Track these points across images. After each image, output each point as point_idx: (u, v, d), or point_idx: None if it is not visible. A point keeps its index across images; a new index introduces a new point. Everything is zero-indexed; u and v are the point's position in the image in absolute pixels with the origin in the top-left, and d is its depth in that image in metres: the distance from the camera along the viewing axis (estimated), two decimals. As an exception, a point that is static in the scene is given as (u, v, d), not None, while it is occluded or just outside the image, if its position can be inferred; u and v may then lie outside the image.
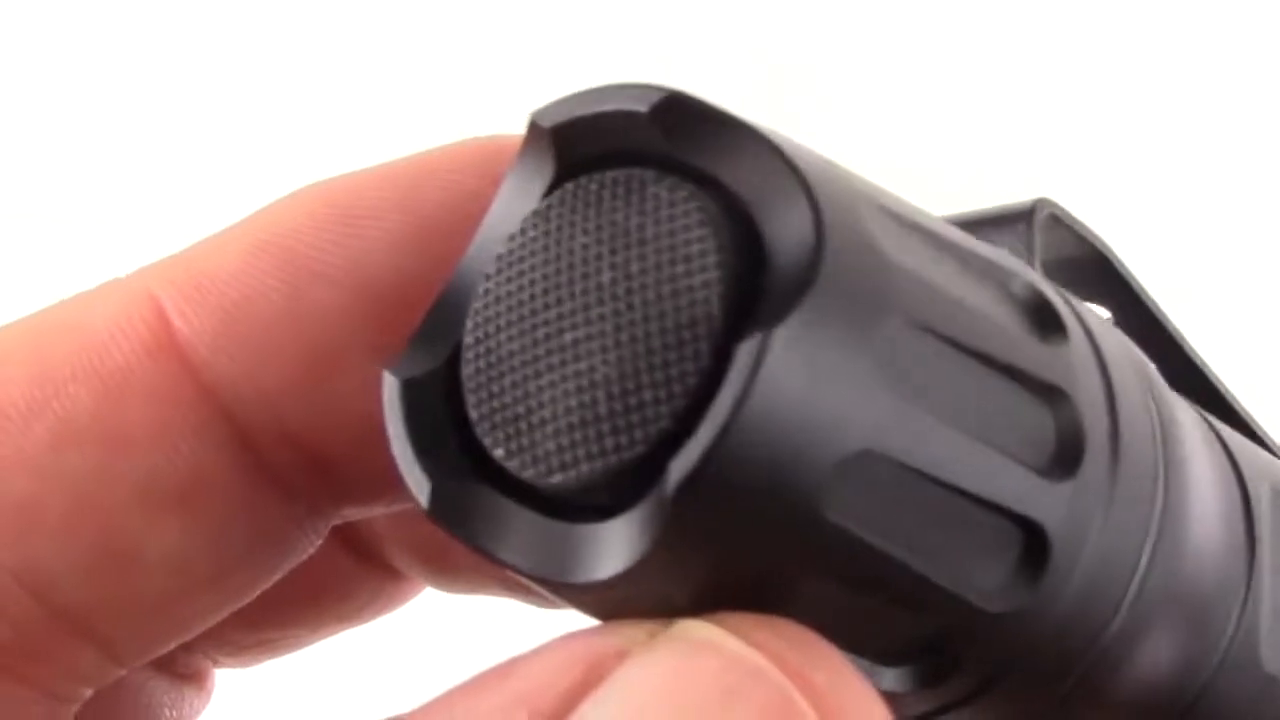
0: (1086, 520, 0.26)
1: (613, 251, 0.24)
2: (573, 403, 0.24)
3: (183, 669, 0.32)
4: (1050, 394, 0.26)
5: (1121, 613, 0.27)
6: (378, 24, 0.75)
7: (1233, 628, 0.30)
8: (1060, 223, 0.33)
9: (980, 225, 0.32)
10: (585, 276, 0.24)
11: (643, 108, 0.24)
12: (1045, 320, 0.26)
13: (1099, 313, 0.37)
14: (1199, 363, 0.36)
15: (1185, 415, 0.30)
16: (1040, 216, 0.32)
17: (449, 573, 0.32)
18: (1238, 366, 0.40)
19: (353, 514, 0.30)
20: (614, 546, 0.23)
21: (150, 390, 0.28)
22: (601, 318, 0.24)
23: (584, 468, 0.24)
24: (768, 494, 0.23)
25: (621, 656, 0.23)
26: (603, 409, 0.24)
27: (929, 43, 0.73)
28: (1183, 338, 0.36)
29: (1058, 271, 0.34)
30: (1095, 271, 0.35)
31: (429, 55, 0.75)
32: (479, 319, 0.25)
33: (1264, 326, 0.70)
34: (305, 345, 0.28)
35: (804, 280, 0.23)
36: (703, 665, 0.23)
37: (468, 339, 0.25)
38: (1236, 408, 0.37)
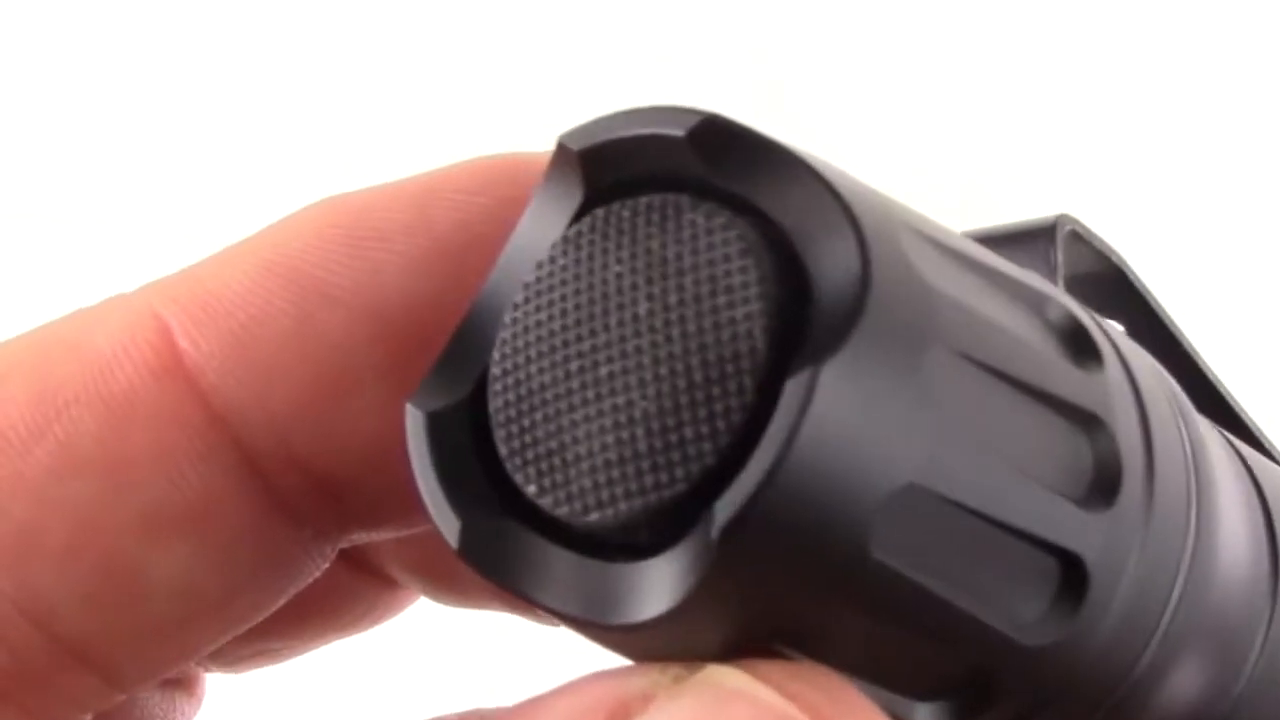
0: (1124, 550, 0.26)
1: (649, 281, 0.23)
2: (609, 439, 0.23)
3: (174, 675, 0.32)
4: (1088, 422, 0.25)
5: (1155, 642, 0.27)
6: (385, 27, 0.74)
7: (1257, 652, 0.30)
8: (1079, 238, 0.32)
9: (1001, 241, 0.32)
10: (620, 307, 0.24)
11: (680, 131, 0.24)
12: (1081, 346, 0.26)
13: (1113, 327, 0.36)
14: (1214, 379, 0.36)
15: (1211, 438, 0.30)
16: (1062, 233, 0.31)
17: (447, 586, 0.32)
18: (1248, 379, 0.39)
19: (360, 538, 0.29)
20: (655, 588, 0.23)
21: (156, 414, 0.27)
22: (639, 350, 0.23)
23: (622, 506, 0.23)
24: (815, 533, 0.22)
25: (647, 701, 0.23)
26: (642, 445, 0.23)
27: (936, 47, 0.73)
28: (1198, 354, 0.36)
29: (1073, 286, 0.33)
30: (1111, 286, 0.34)
31: (433, 61, 0.74)
32: (507, 349, 0.24)
33: (1275, 340, 0.70)
34: (314, 369, 0.27)
35: (852, 312, 0.22)
36: (733, 713, 0.22)
37: (495, 370, 0.25)
38: (1251, 425, 0.36)
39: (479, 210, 0.27)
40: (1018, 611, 0.25)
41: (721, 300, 0.23)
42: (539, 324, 0.24)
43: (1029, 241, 0.32)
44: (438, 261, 0.27)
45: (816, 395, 0.22)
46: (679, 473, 0.23)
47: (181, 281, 0.27)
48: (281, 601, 0.29)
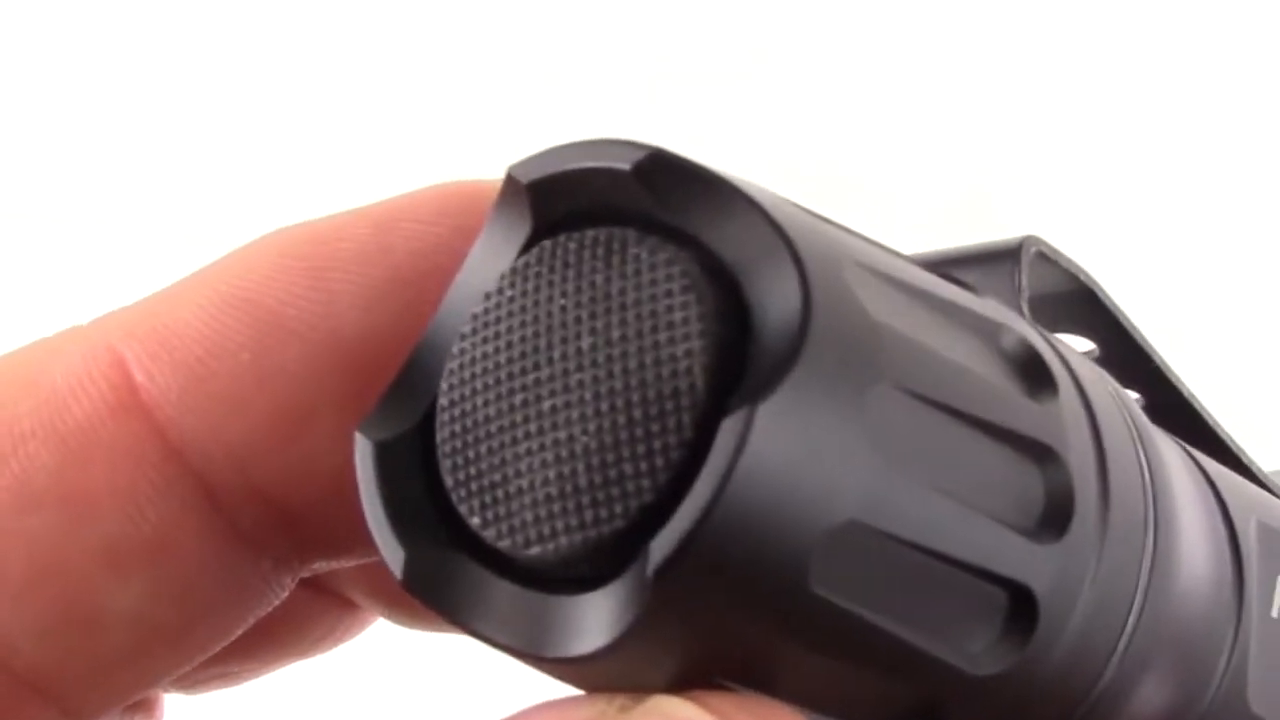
0: (1077, 579, 0.26)
1: (592, 316, 0.23)
2: (551, 473, 0.23)
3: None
4: (1040, 454, 0.25)
5: (1111, 666, 0.27)
6: (385, 26, 0.74)
7: (1221, 671, 0.30)
8: (1047, 259, 0.32)
9: (966, 262, 0.32)
10: (564, 341, 0.24)
11: (625, 165, 0.24)
12: (1036, 376, 0.26)
13: (1084, 345, 0.36)
14: (1187, 395, 0.36)
15: (1172, 456, 0.29)
16: (1028, 254, 0.31)
17: (408, 610, 0.32)
18: (1224, 395, 0.39)
19: (321, 566, 0.29)
20: (592, 622, 0.23)
21: (113, 450, 0.27)
22: (581, 385, 0.23)
23: (562, 540, 0.23)
24: (752, 570, 0.22)
25: None
26: (582, 480, 0.23)
27: (936, 49, 0.73)
28: (1170, 370, 0.35)
29: (1043, 306, 0.33)
30: (1081, 305, 0.34)
31: (430, 62, 0.74)
32: (453, 380, 0.25)
33: (1251, 356, 0.70)
34: (273, 401, 0.27)
35: (790, 352, 0.22)
36: None
37: (442, 400, 0.25)
38: (1225, 439, 0.36)
39: (436, 239, 0.27)
40: (966, 643, 0.25)
41: (662, 336, 0.23)
42: (485, 356, 0.24)
43: (994, 262, 0.31)
44: (395, 290, 0.27)
45: (752, 435, 0.22)
46: (618, 509, 0.23)
47: (138, 314, 0.27)
48: (241, 630, 0.29)
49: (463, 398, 0.24)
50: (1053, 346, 0.27)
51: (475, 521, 0.24)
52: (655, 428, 0.23)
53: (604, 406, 0.23)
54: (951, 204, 0.71)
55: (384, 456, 0.25)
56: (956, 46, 0.73)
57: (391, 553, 0.24)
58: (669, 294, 0.23)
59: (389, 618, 0.32)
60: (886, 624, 0.24)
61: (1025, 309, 0.31)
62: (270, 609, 0.29)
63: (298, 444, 0.27)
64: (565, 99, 0.73)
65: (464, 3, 0.74)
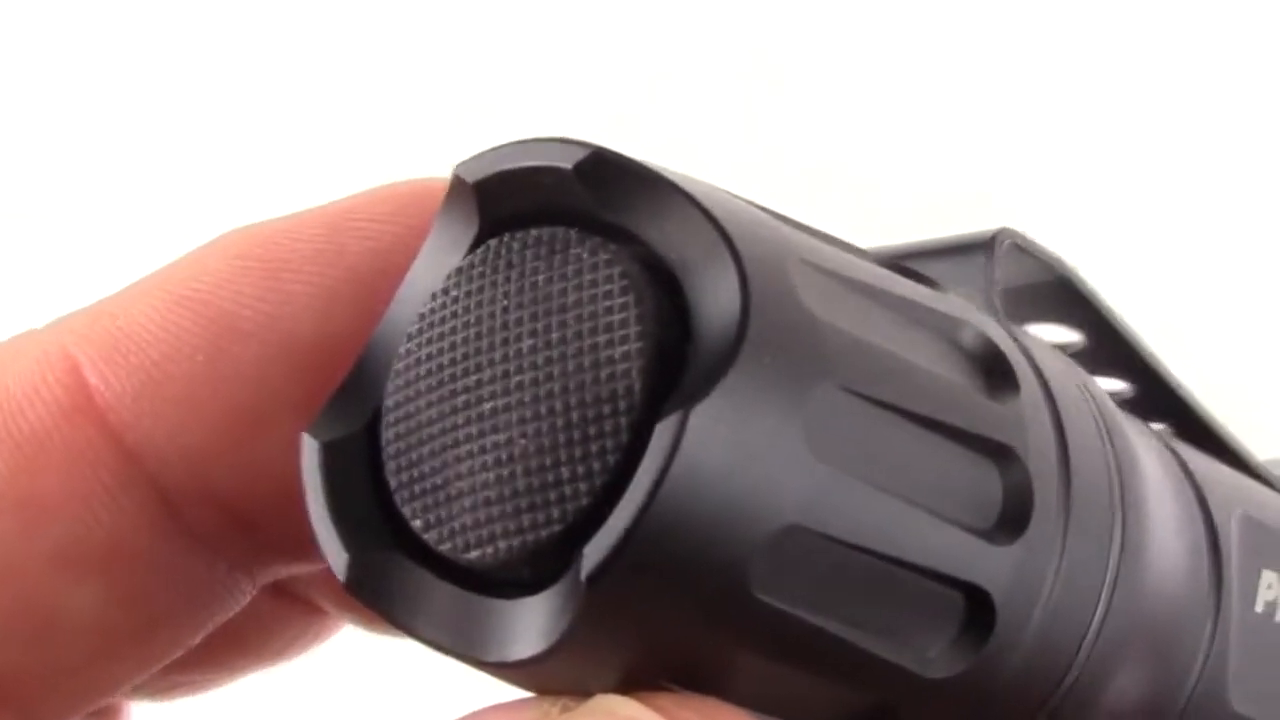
0: (1036, 579, 0.25)
1: (533, 317, 0.23)
2: (490, 476, 0.23)
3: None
4: (997, 453, 0.25)
5: (1079, 662, 0.26)
6: (384, 26, 0.74)
7: (1200, 665, 0.29)
8: (1024, 250, 0.32)
9: (939, 255, 0.31)
10: (505, 342, 0.23)
11: (567, 164, 0.23)
12: (996, 373, 0.25)
13: (1069, 336, 0.36)
14: (1174, 384, 0.35)
15: (1145, 449, 0.29)
16: (1001, 247, 0.31)
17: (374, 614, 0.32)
18: (1226, 390, 0.39)
19: (282, 571, 0.29)
20: (530, 626, 0.23)
21: (68, 454, 0.27)
22: (520, 387, 0.23)
23: (501, 545, 0.23)
24: (689, 575, 0.22)
25: None
26: (520, 484, 0.23)
27: (937, 47, 0.73)
28: (1157, 359, 0.35)
29: (1023, 298, 0.33)
30: (1062, 296, 0.34)
31: (427, 59, 0.74)
32: (399, 381, 0.24)
33: (1251, 350, 0.69)
34: (228, 405, 0.27)
35: (728, 353, 0.22)
36: None
37: (388, 402, 0.24)
38: (1216, 428, 0.36)
39: (390, 238, 0.27)
40: (921, 646, 0.24)
41: (600, 339, 0.23)
42: (429, 357, 0.24)
43: (968, 255, 0.31)
44: (349, 291, 0.27)
45: (685, 438, 0.22)
46: (555, 513, 0.22)
47: (92, 318, 0.27)
48: (201, 636, 0.28)
49: (407, 399, 0.24)
50: (1018, 341, 0.27)
51: (417, 524, 0.24)
52: (592, 431, 0.22)
53: (542, 409, 0.23)
54: (953, 202, 0.71)
55: (330, 458, 0.25)
56: (957, 43, 0.73)
57: (335, 554, 0.24)
58: (608, 295, 0.23)
59: (354, 623, 0.32)
60: (834, 628, 0.23)
61: (998, 302, 0.30)
62: (229, 614, 0.29)
63: (253, 447, 0.27)
64: (565, 98, 0.73)
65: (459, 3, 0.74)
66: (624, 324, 0.23)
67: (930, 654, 0.24)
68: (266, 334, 0.27)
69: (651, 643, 0.23)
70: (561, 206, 0.24)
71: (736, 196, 0.24)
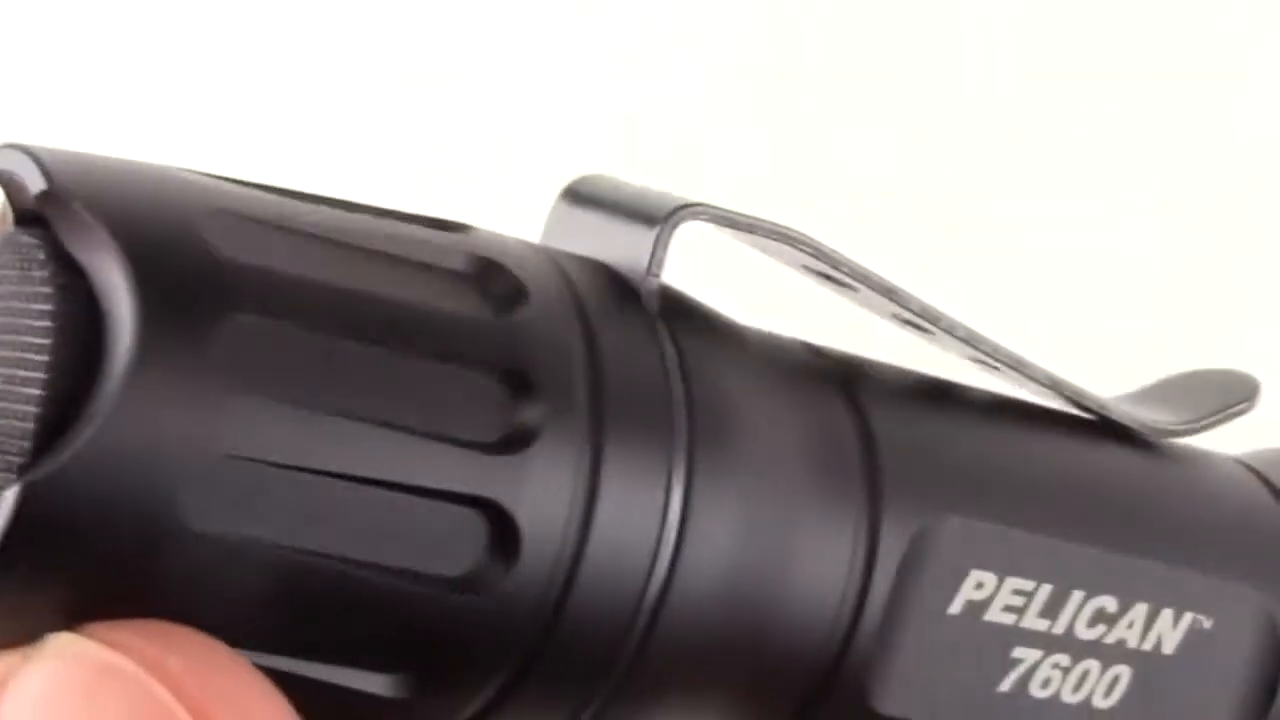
0: (559, 488, 0.25)
1: None
2: None
3: None
4: (491, 366, 0.25)
5: (655, 587, 0.26)
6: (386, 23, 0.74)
7: (832, 658, 0.28)
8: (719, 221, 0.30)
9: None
10: None
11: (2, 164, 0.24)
12: (493, 285, 0.26)
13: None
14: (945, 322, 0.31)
15: (747, 346, 0.28)
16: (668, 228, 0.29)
17: None
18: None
19: None
20: None
21: None
22: None
23: None
24: (107, 527, 0.23)
25: (3, 685, 0.24)
26: None
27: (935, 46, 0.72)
28: (900, 292, 0.31)
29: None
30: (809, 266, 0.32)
31: (424, 56, 0.74)
32: None
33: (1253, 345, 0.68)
34: None
35: (131, 323, 0.23)
36: (68, 674, 0.24)
37: None
38: (1000, 362, 0.31)
39: None
40: (438, 568, 0.25)
41: (15, 355, 0.23)
42: None
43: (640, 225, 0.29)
44: None
45: (89, 438, 0.23)
46: None
47: None
48: None
49: None
50: (562, 270, 0.26)
51: None
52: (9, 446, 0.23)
53: None
54: (948, 201, 0.71)
55: None
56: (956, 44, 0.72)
57: None
58: (33, 300, 0.24)
59: None
60: (321, 557, 0.24)
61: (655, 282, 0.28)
62: None
63: None
64: (565, 96, 0.72)
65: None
66: (43, 334, 0.23)
67: (453, 574, 0.25)
68: None
69: (87, 589, 0.24)
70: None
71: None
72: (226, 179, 0.25)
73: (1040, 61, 0.71)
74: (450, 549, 0.25)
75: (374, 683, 0.25)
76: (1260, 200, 0.70)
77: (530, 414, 0.25)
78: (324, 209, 0.25)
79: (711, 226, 0.29)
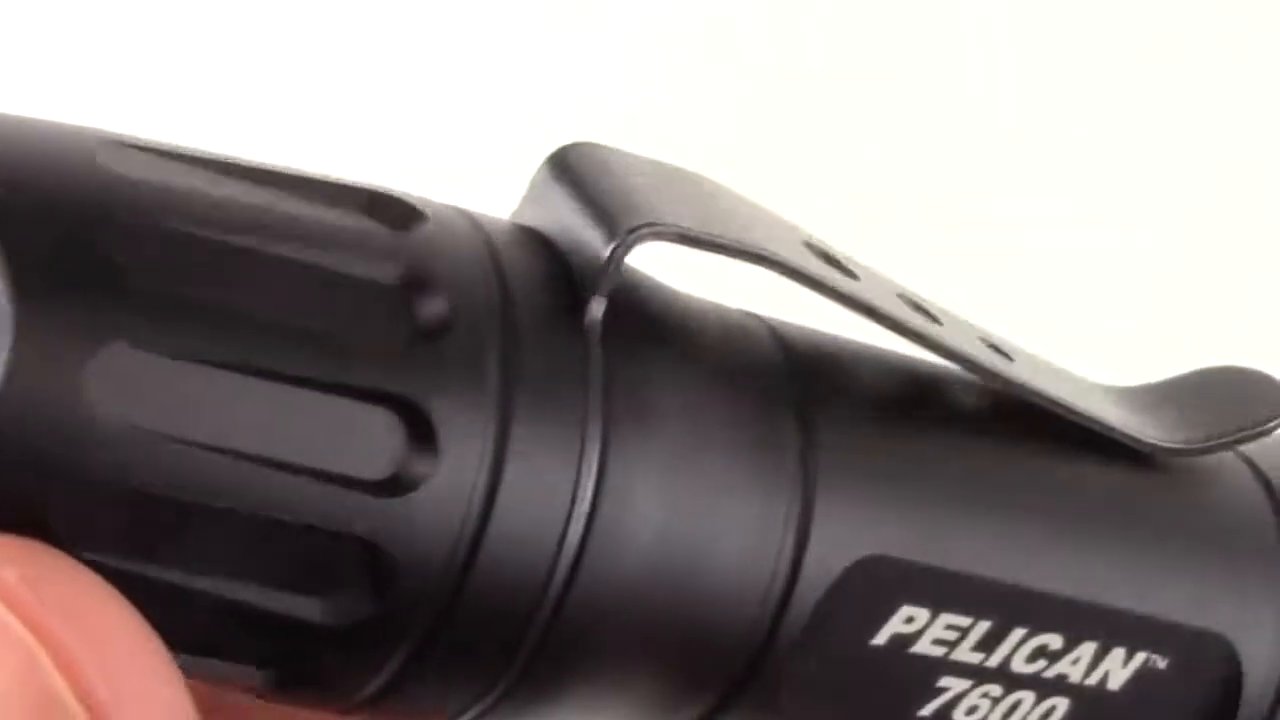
0: (474, 381, 0.25)
1: None
2: None
3: None
4: (400, 270, 0.25)
5: (569, 550, 0.26)
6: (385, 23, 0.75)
7: (746, 645, 0.27)
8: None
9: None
10: None
11: None
12: (393, 210, 0.26)
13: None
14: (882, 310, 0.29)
15: (716, 415, 0.27)
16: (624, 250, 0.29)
17: None
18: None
19: None
20: None
21: None
22: None
23: None
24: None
25: None
26: None
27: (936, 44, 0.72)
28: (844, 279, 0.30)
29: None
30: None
31: (424, 54, 0.74)
32: None
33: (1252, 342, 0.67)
34: None
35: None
36: None
37: None
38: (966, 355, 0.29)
39: None
40: (351, 467, 0.25)
41: None
42: None
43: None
44: None
45: None
46: None
47: None
48: None
49: None
50: (493, 249, 0.27)
51: None
52: None
53: None
54: (949, 198, 0.71)
55: None
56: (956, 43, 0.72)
57: None
58: None
59: None
60: (208, 448, 0.24)
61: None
62: None
63: None
64: (565, 96, 0.73)
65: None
66: None
67: (371, 475, 0.25)
68: None
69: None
70: None
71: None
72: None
73: (1040, 62, 0.71)
74: (364, 449, 0.25)
75: (302, 607, 0.25)
76: (1260, 200, 0.70)
77: (438, 315, 0.25)
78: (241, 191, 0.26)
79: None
